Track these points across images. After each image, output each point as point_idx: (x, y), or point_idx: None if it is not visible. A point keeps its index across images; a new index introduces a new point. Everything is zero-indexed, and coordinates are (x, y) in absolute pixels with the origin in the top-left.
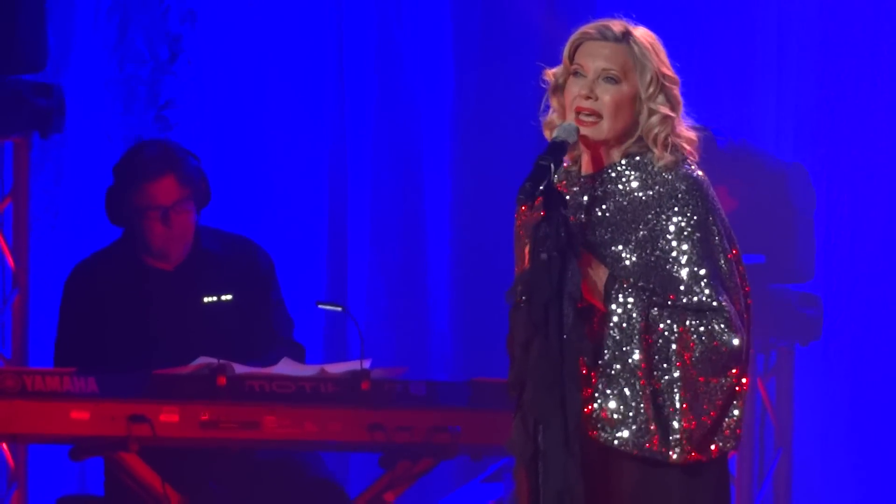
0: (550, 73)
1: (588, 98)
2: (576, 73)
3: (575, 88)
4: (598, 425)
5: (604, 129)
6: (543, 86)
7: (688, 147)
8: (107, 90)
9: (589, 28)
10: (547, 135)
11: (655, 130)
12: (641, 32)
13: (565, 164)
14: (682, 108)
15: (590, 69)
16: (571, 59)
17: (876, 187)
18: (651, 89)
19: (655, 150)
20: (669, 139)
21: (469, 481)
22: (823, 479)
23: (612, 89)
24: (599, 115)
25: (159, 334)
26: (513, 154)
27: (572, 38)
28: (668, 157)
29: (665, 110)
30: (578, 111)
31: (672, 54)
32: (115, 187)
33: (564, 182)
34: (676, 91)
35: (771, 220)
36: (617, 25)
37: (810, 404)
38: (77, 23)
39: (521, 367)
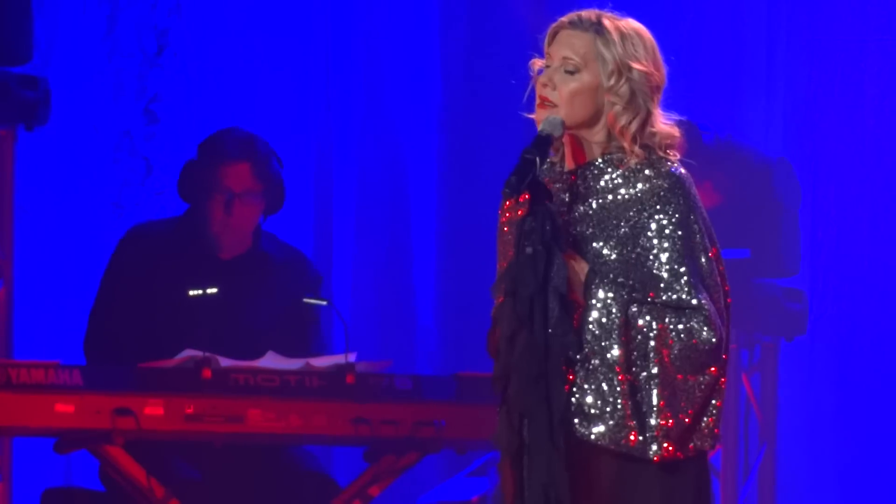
0: (538, 63)
1: (546, 87)
2: (547, 64)
3: (542, 77)
4: (576, 420)
5: (561, 116)
6: (532, 75)
7: (665, 142)
8: (94, 83)
9: (565, 17)
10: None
11: (621, 123)
12: (618, 24)
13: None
14: (654, 103)
15: (555, 58)
16: (548, 48)
17: (861, 182)
18: (612, 80)
19: (624, 144)
20: (637, 133)
21: (454, 475)
22: (808, 475)
23: (568, 79)
24: (555, 105)
25: (198, 319)
26: (499, 148)
27: (550, 27)
28: (637, 152)
29: (625, 102)
30: (540, 100)
31: (659, 49)
32: (193, 162)
33: (547, 178)
34: (649, 85)
35: (756, 214)
36: (590, 14)
37: (795, 399)
38: (64, 15)
39: (506, 361)
